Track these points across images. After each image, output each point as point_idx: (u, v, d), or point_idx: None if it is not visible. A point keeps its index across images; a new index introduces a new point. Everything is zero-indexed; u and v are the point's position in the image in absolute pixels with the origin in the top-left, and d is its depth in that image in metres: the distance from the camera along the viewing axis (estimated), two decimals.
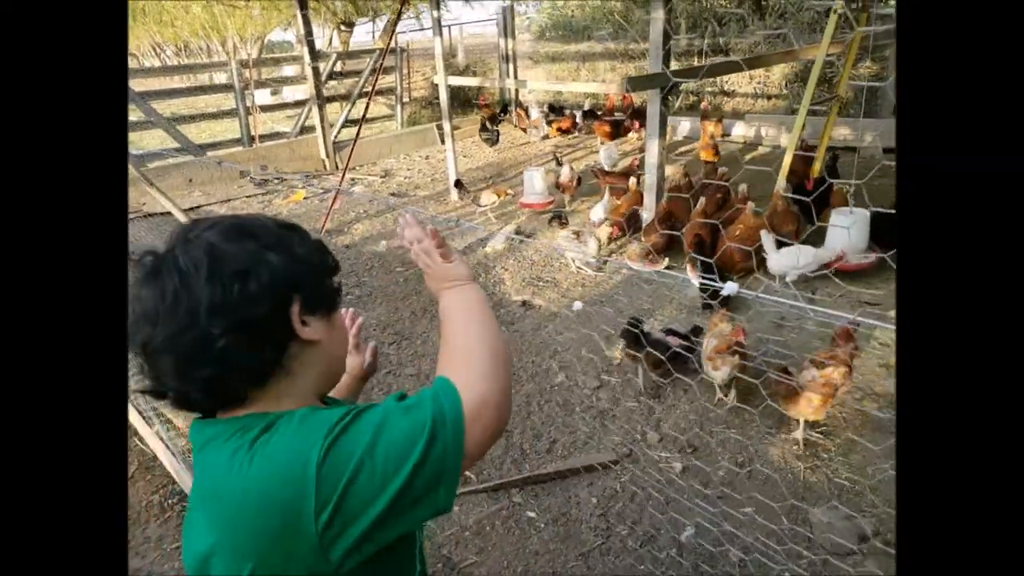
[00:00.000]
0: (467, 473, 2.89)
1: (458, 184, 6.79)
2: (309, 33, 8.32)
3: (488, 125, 9.21)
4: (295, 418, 0.82)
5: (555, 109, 10.22)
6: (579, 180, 6.44)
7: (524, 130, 10.02)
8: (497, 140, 9.16)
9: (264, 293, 0.83)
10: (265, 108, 10.00)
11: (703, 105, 8.64)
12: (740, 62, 6.21)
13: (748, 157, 8.01)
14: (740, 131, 8.80)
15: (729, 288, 1.86)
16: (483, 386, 0.85)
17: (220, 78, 11.17)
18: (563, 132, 9.71)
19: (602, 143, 8.23)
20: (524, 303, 4.54)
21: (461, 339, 0.94)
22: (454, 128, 7.18)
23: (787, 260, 4.22)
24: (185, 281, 0.80)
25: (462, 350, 0.92)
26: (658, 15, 4.77)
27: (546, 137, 9.80)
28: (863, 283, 4.40)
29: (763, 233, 4.27)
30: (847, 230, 4.41)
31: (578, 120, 9.60)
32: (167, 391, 0.85)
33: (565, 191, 6.41)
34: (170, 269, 0.81)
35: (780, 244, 4.33)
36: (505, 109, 10.52)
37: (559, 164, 6.74)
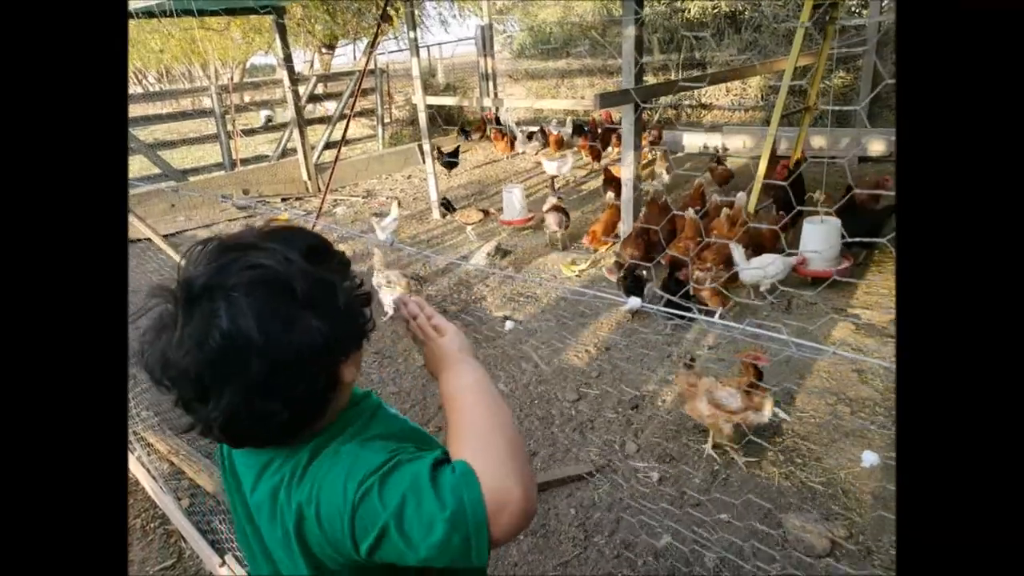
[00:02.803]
0: None
1: (445, 203, 6.83)
2: (288, 59, 8.39)
3: (442, 151, 8.79)
4: (340, 456, 0.86)
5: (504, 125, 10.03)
6: (568, 221, 5.91)
7: (505, 143, 9.93)
8: (456, 164, 8.94)
9: (319, 369, 0.86)
10: (248, 132, 10.05)
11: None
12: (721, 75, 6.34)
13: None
14: (715, 142, 8.93)
15: (632, 303, 1.89)
16: (506, 478, 0.81)
17: (203, 103, 11.24)
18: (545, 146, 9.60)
19: (558, 157, 8.15)
20: (505, 319, 4.59)
21: (472, 426, 0.91)
22: (436, 147, 7.26)
23: (757, 270, 4.30)
24: (241, 354, 0.80)
25: (477, 437, 0.88)
26: (629, 32, 4.88)
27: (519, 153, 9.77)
28: (837, 291, 4.47)
29: (732, 245, 4.34)
30: (817, 237, 4.52)
31: (565, 138, 9.64)
32: (212, 436, 0.87)
33: (553, 231, 5.89)
34: (222, 329, 0.80)
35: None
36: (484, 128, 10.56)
37: (557, 204, 6.02)
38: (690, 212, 4.88)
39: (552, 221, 5.79)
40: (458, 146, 9.16)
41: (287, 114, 9.28)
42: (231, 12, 8.57)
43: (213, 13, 8.44)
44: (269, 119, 11.25)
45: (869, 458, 2.85)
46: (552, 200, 5.88)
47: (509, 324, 4.43)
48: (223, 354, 0.79)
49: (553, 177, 7.74)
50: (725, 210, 4.81)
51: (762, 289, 4.39)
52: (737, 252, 4.35)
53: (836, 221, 4.56)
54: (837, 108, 7.72)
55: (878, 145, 7.69)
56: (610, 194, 5.76)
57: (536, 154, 9.53)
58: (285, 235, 0.91)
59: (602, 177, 6.63)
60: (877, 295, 4.39)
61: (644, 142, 7.93)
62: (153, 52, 15.44)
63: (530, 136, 9.57)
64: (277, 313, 0.81)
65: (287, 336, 0.81)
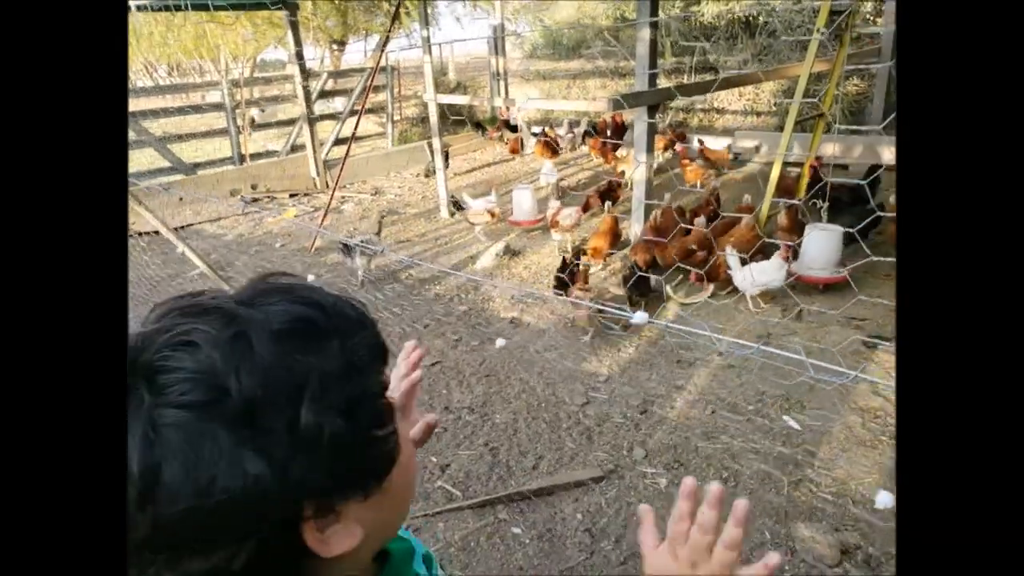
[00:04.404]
0: (453, 490, 2.90)
1: (455, 203, 6.78)
2: (300, 56, 8.40)
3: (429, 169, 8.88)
4: None
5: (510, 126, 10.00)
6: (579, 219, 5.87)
7: (514, 151, 9.88)
8: (446, 167, 8.80)
9: (245, 538, 0.51)
10: (256, 127, 10.04)
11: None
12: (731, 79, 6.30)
13: (742, 175, 8.09)
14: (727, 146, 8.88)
15: (639, 318, 1.86)
16: None
17: (213, 97, 11.24)
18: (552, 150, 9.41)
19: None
20: (513, 320, 4.56)
21: None
22: (445, 146, 7.24)
23: (748, 276, 4.27)
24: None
25: None
26: (644, 35, 4.85)
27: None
28: (847, 300, 4.43)
29: (727, 250, 4.32)
30: (819, 245, 4.49)
31: (570, 138, 9.58)
32: None
33: (561, 231, 5.78)
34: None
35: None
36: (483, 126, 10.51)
37: (559, 198, 6.24)
38: (700, 219, 4.85)
39: (569, 216, 5.71)
40: (447, 150, 8.95)
41: (295, 110, 9.27)
42: (243, 7, 8.58)
43: (228, 7, 8.45)
44: (253, 120, 10.72)
45: (884, 499, 2.71)
46: (556, 204, 5.84)
47: (500, 341, 4.26)
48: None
49: (559, 182, 7.67)
50: (746, 218, 4.78)
51: (751, 295, 4.36)
52: (732, 258, 4.32)
53: (838, 229, 4.53)
54: (853, 127, 7.68)
55: (890, 153, 7.63)
56: (607, 203, 5.73)
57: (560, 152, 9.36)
58: (266, 296, 0.58)
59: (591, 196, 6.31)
60: (883, 304, 4.35)
61: (661, 144, 7.89)
62: (164, 46, 15.48)
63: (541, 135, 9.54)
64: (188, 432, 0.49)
65: (186, 471, 0.48)
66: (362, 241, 5.23)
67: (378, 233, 5.62)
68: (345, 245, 5.35)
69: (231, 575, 0.51)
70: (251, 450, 0.49)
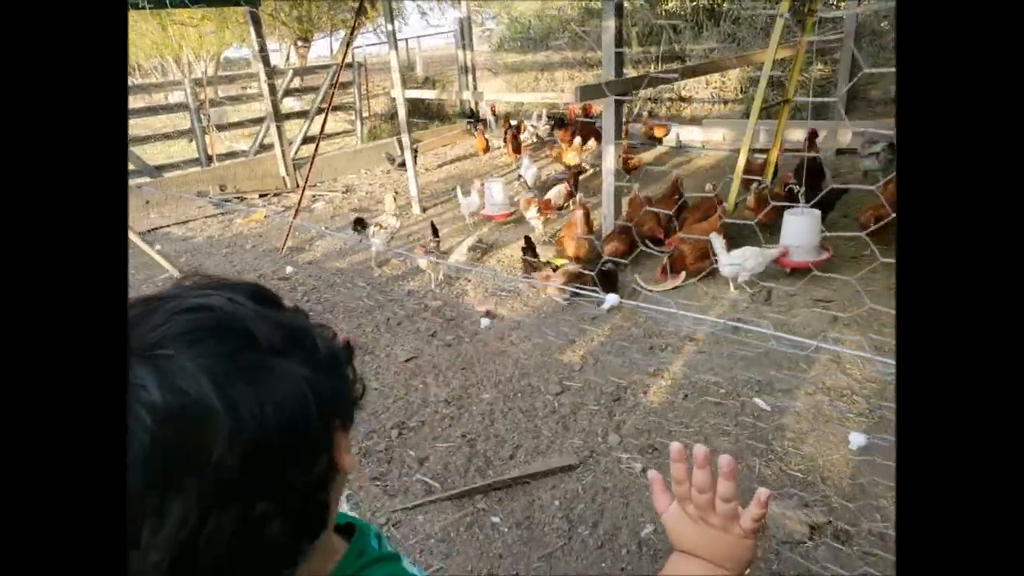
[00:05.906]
0: (432, 482, 2.92)
1: (359, 221, 6.16)
2: (264, 51, 8.29)
3: (393, 156, 9.23)
4: None
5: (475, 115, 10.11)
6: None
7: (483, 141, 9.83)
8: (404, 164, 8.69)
9: (313, 442, 0.59)
10: (222, 127, 9.89)
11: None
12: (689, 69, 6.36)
13: (709, 163, 8.17)
14: (697, 135, 8.97)
15: (610, 300, 1.90)
16: None
17: (176, 97, 11.05)
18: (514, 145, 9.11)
19: (519, 159, 8.05)
20: (488, 313, 4.58)
21: None
22: (415, 141, 7.22)
23: (736, 262, 4.33)
24: (192, 435, 0.52)
25: None
26: (610, 23, 4.88)
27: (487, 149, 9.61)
28: (814, 282, 4.52)
29: (713, 236, 4.37)
30: (798, 229, 4.56)
31: (546, 129, 9.61)
32: None
33: (542, 211, 5.88)
34: (153, 405, 0.52)
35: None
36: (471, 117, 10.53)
37: (530, 190, 6.58)
38: (635, 187, 5.02)
39: (555, 193, 6.03)
40: (416, 146, 8.84)
41: (261, 108, 9.15)
42: (202, 2, 8.44)
43: (187, 4, 8.30)
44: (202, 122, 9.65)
45: (857, 440, 2.87)
46: (528, 195, 5.94)
47: (485, 322, 4.42)
48: (161, 442, 0.50)
49: (519, 178, 7.67)
50: (717, 208, 4.88)
51: (740, 280, 4.43)
52: (718, 243, 4.38)
53: (816, 213, 4.61)
54: (816, 100, 7.80)
55: (848, 137, 7.77)
56: (579, 195, 5.78)
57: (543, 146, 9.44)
58: (222, 281, 0.65)
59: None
60: (855, 286, 4.45)
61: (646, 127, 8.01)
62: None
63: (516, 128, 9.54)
64: (238, 367, 0.54)
65: (260, 394, 0.53)
66: (376, 223, 5.79)
67: (395, 215, 6.08)
68: (359, 220, 5.99)
69: (291, 512, 0.56)
70: (294, 364, 0.57)
